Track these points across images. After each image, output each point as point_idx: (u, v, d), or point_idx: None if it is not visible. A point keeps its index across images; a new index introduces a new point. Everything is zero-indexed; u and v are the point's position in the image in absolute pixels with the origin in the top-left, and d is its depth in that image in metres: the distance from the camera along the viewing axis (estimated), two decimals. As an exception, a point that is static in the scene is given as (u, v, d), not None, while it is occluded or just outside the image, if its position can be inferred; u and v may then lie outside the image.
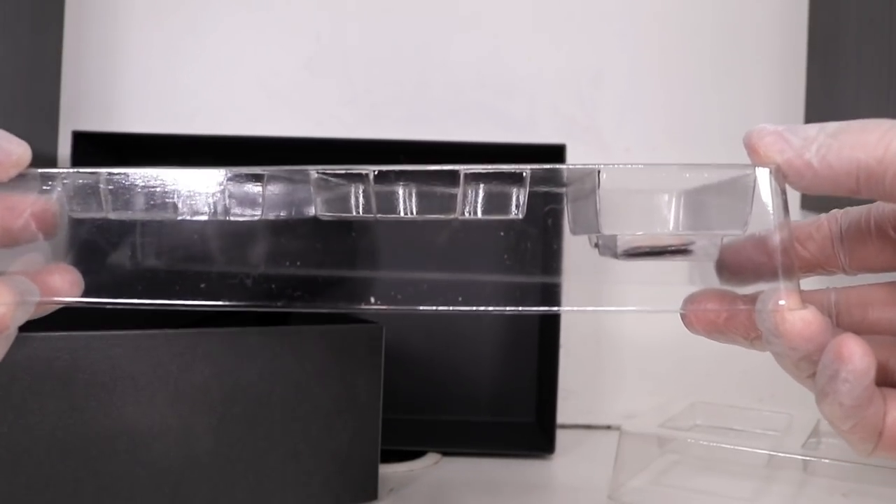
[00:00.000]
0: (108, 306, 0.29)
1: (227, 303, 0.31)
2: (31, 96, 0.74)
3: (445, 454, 0.68)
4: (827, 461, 0.54)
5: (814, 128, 0.26)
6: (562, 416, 0.71)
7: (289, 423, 0.51)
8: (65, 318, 0.33)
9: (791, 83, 0.81)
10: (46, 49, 0.77)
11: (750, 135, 0.27)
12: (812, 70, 0.79)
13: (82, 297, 0.29)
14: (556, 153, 0.71)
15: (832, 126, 0.26)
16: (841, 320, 0.30)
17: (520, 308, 0.29)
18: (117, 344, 0.47)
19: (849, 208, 0.30)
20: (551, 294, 0.30)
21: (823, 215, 0.30)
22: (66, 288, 0.29)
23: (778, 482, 0.58)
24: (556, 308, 0.30)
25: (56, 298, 0.29)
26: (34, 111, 0.75)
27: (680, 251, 0.29)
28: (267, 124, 0.80)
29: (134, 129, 0.78)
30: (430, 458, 0.67)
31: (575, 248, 0.31)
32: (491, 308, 0.29)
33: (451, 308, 0.28)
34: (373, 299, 0.31)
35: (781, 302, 0.26)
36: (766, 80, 0.81)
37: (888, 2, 0.62)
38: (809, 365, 0.26)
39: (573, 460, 0.69)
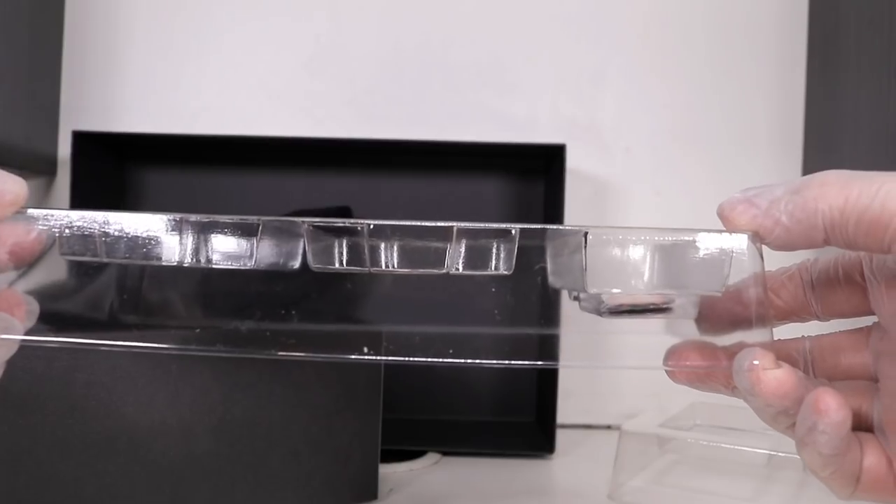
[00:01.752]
0: (103, 347, 0.29)
1: (222, 348, 0.31)
2: (31, 96, 0.74)
3: (445, 454, 0.68)
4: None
5: (779, 188, 0.27)
6: (562, 416, 0.71)
7: (289, 423, 0.51)
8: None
9: (791, 83, 0.81)
10: (46, 49, 0.77)
11: (722, 207, 0.28)
12: (812, 70, 0.79)
13: (76, 337, 0.29)
14: (555, 153, 0.71)
15: (795, 183, 0.27)
16: (816, 367, 0.31)
17: (512, 362, 0.29)
18: (117, 344, 0.47)
19: (818, 258, 0.31)
20: (546, 345, 0.31)
21: (794, 265, 0.31)
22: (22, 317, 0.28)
23: (778, 482, 0.58)
24: (551, 363, 0.31)
25: (50, 338, 0.29)
26: (34, 111, 0.75)
27: (660, 310, 0.30)
28: (267, 124, 0.80)
29: (134, 129, 0.78)
30: (430, 458, 0.67)
31: (564, 301, 0.33)
32: (482, 361, 0.29)
33: (442, 360, 0.29)
34: (365, 349, 0.32)
35: (756, 362, 0.27)
36: (766, 80, 0.81)
37: (888, 2, 0.62)
38: (787, 418, 0.28)
39: (573, 460, 0.69)
